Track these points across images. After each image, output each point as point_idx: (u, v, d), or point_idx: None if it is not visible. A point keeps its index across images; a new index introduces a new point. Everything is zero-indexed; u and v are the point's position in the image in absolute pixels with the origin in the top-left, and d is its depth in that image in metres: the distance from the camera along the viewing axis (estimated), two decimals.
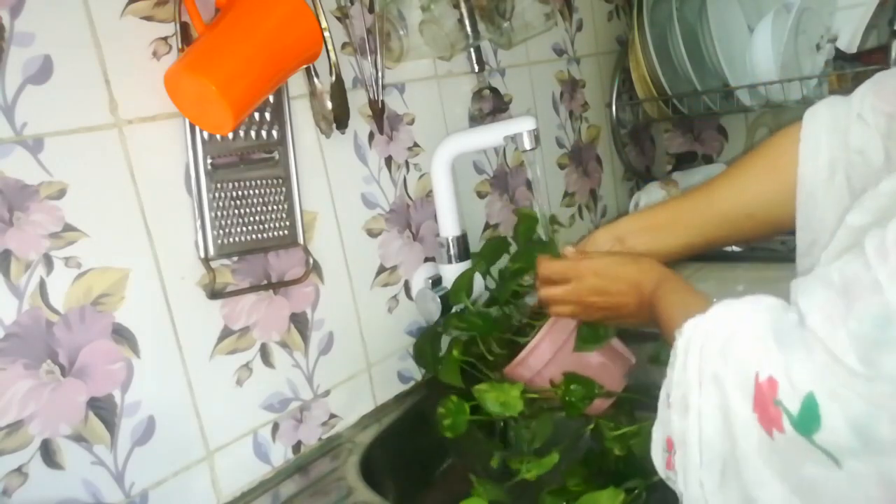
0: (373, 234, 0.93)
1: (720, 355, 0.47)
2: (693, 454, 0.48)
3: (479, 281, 0.96)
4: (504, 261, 0.91)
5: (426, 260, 0.99)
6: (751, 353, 0.45)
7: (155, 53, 0.70)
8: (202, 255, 0.73)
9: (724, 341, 0.48)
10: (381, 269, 0.94)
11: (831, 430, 0.39)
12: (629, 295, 0.69)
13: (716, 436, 0.46)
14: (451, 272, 0.92)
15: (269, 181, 0.77)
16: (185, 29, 0.71)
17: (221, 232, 0.74)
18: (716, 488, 0.47)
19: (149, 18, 0.69)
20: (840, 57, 1.13)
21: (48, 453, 0.63)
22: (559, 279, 0.74)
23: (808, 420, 0.40)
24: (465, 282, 0.87)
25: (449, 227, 0.91)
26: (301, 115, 0.82)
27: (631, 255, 0.73)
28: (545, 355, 0.77)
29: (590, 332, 0.77)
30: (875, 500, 0.39)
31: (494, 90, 1.08)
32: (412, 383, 0.99)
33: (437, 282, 0.93)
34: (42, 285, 0.62)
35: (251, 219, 0.76)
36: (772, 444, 0.42)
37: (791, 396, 0.41)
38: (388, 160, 0.94)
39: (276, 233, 0.78)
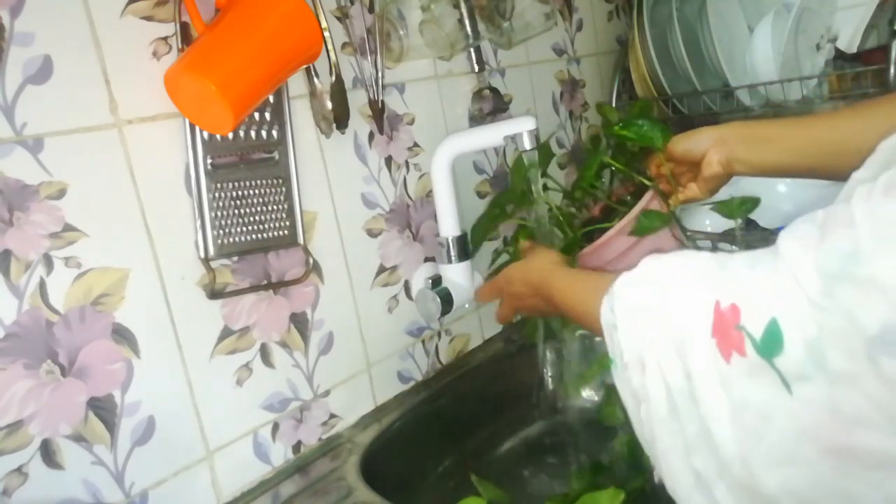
0: (373, 234, 0.93)
1: (663, 301, 0.49)
2: (658, 408, 0.49)
3: (478, 280, 0.96)
4: None
5: (426, 260, 0.99)
6: (705, 285, 0.47)
7: (155, 53, 0.70)
8: (202, 255, 0.73)
9: (666, 286, 0.50)
10: (381, 269, 0.94)
11: (791, 354, 0.40)
12: (535, 297, 0.75)
13: (679, 381, 0.47)
14: (451, 272, 0.92)
15: (269, 181, 0.77)
16: (185, 29, 0.71)
17: (221, 232, 0.74)
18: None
19: (149, 18, 0.69)
20: (840, 57, 1.13)
21: (48, 453, 0.63)
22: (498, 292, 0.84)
23: (770, 343, 0.40)
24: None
25: (449, 227, 0.91)
26: (301, 115, 0.82)
27: (536, 257, 0.77)
28: (620, 247, 0.79)
29: (646, 221, 0.77)
30: (822, 426, 0.40)
31: (494, 90, 1.07)
32: (412, 383, 0.99)
33: (437, 282, 0.93)
34: (42, 285, 0.62)
35: (251, 219, 0.76)
36: (727, 370, 0.43)
37: (755, 321, 0.42)
38: (388, 160, 0.94)
39: (276, 233, 0.78)
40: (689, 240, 0.82)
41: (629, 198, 0.85)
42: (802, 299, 0.39)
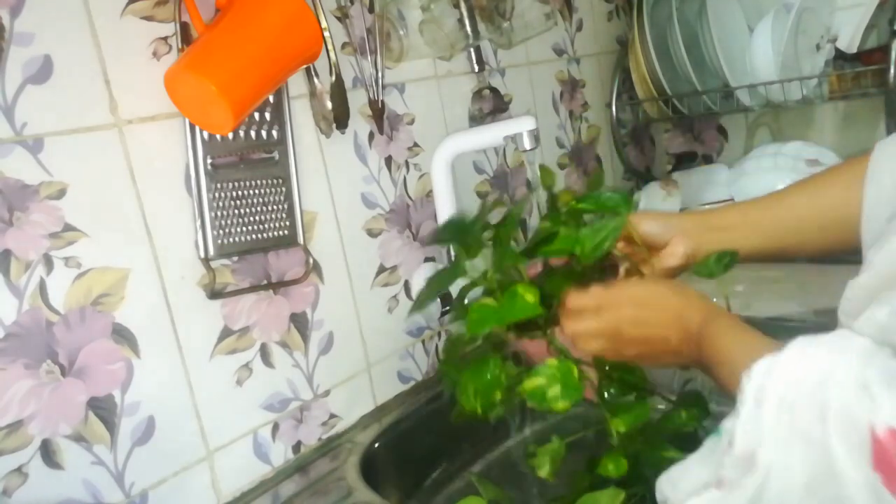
0: (373, 234, 0.93)
1: (813, 409, 0.42)
2: None
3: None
4: None
5: (426, 260, 0.99)
6: (857, 405, 0.40)
7: (155, 53, 0.70)
8: (202, 255, 0.73)
9: (814, 393, 0.42)
10: (381, 269, 0.94)
11: None
12: (671, 328, 0.60)
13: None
14: None
15: (269, 181, 0.77)
16: (185, 29, 0.71)
17: (221, 232, 0.74)
18: None
19: (149, 18, 0.69)
20: (840, 57, 1.13)
21: (48, 453, 0.63)
22: (591, 310, 0.64)
23: None
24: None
25: None
26: (301, 115, 0.82)
27: (677, 284, 0.64)
28: None
29: None
30: None
31: (494, 90, 1.08)
32: (412, 383, 0.99)
33: None
34: (42, 285, 0.62)
35: (251, 219, 0.76)
36: None
37: None
38: (388, 160, 0.94)
39: (276, 233, 0.78)
40: None
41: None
42: None
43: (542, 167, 0.82)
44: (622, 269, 0.72)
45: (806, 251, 0.68)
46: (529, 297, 0.64)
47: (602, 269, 0.73)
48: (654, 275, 0.68)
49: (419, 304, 0.71)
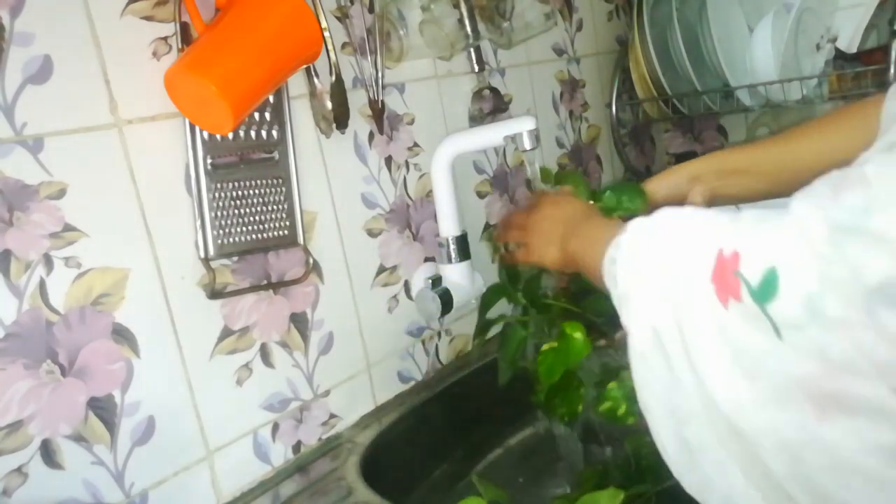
0: (373, 234, 0.93)
1: (666, 244, 0.51)
2: (637, 343, 0.51)
3: (478, 280, 0.96)
4: None
5: (426, 260, 0.99)
6: (715, 233, 0.48)
7: (155, 53, 0.70)
8: (202, 255, 0.73)
9: (673, 232, 0.52)
10: (381, 269, 0.94)
11: (785, 301, 0.41)
12: (558, 222, 0.71)
13: (666, 324, 0.49)
14: (451, 272, 0.92)
15: (269, 181, 0.77)
16: (185, 29, 0.71)
17: (221, 232, 0.74)
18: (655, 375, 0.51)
19: (149, 18, 0.69)
20: (840, 57, 1.13)
21: (48, 453, 0.63)
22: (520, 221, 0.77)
23: (765, 290, 0.42)
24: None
25: (449, 227, 0.91)
26: (301, 115, 0.82)
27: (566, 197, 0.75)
28: None
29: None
30: (811, 374, 0.41)
31: (494, 90, 1.08)
32: (412, 383, 0.99)
33: (436, 282, 0.93)
34: (42, 285, 0.62)
35: (251, 219, 0.76)
36: (725, 315, 0.44)
37: (753, 268, 0.43)
38: (388, 160, 0.94)
39: (276, 233, 0.78)
40: None
41: None
42: (805, 251, 0.40)
43: (542, 168, 0.85)
44: None
45: None
46: (578, 334, 0.70)
47: None
48: None
49: (480, 331, 0.85)
